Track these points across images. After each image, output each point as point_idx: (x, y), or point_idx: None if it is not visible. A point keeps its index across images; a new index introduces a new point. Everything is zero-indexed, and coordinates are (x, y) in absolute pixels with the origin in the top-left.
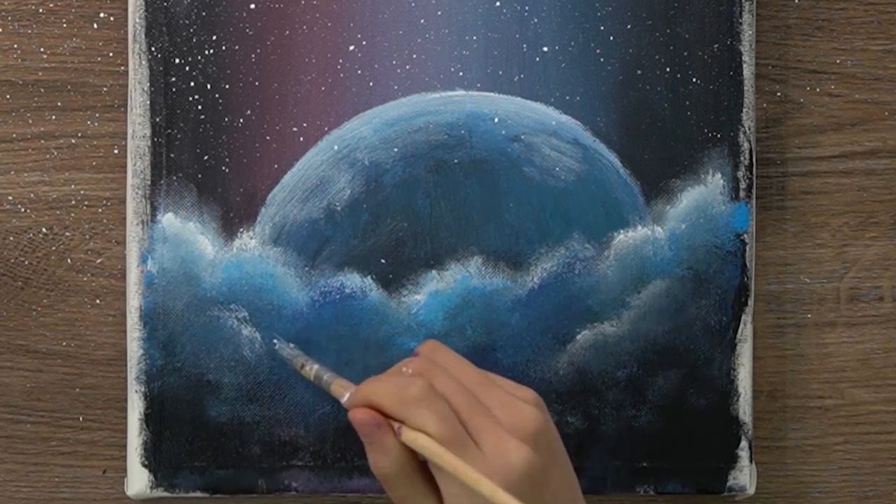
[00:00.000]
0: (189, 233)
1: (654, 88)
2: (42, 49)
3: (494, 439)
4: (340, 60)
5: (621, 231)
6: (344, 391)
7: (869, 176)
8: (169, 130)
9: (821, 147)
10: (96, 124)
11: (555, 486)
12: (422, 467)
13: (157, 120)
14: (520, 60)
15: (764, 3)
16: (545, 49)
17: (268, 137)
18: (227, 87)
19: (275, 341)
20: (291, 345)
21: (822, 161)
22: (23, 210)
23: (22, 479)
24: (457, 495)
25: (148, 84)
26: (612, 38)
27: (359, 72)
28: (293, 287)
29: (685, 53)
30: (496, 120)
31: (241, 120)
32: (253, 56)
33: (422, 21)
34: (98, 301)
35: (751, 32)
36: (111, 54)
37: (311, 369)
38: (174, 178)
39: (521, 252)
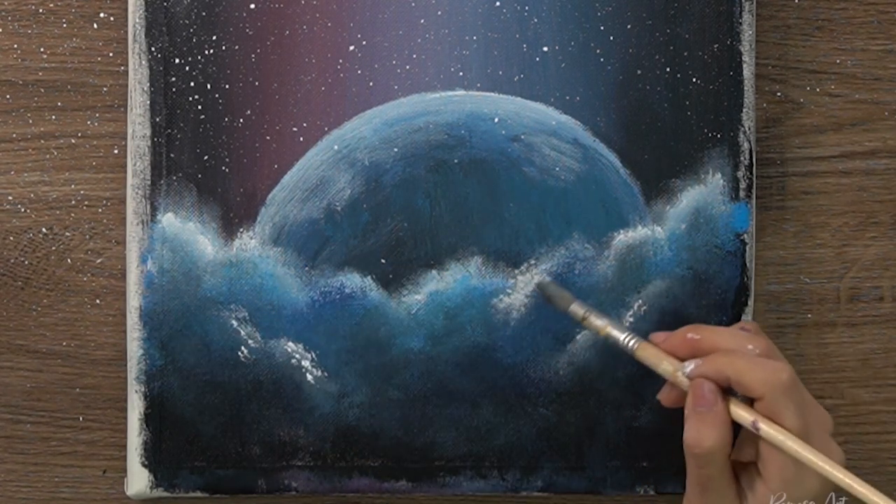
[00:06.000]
0: (189, 233)
1: (654, 88)
2: (42, 49)
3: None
4: (340, 60)
5: (621, 231)
6: (668, 362)
7: (869, 176)
8: (169, 130)
9: (821, 147)
10: (96, 124)
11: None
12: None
13: (157, 120)
14: (520, 60)
15: (764, 3)
16: (545, 49)
17: (268, 137)
18: (227, 87)
19: (541, 280)
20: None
21: (822, 161)
22: (23, 210)
23: (22, 479)
24: (789, 482)
25: (148, 84)
26: (612, 38)
27: (359, 72)
28: (293, 287)
29: (685, 53)
30: (496, 120)
31: (241, 120)
32: (253, 56)
33: (422, 21)
34: (98, 301)
35: (751, 32)
36: (111, 54)
37: (599, 323)
38: (174, 178)
39: (521, 252)
